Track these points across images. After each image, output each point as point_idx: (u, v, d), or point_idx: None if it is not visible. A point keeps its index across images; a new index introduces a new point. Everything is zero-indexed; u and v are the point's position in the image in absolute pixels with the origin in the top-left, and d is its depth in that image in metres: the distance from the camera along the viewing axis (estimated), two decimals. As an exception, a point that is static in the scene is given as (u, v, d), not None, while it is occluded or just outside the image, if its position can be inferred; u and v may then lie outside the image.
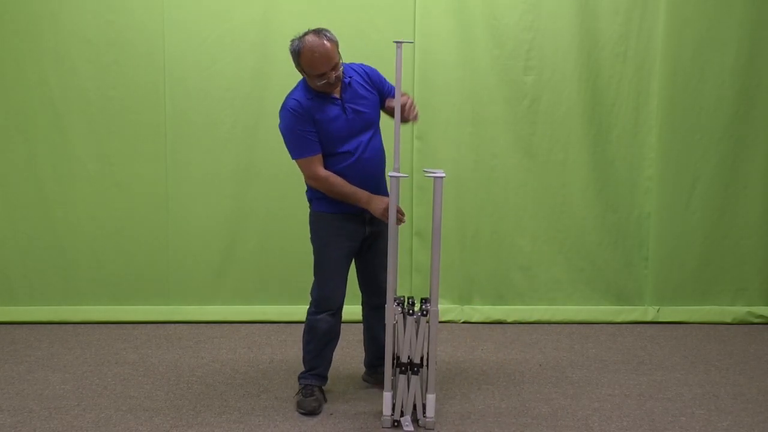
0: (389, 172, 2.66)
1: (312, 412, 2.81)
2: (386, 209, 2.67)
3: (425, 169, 2.83)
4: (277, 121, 4.05)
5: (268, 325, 3.96)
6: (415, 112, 2.73)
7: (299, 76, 2.73)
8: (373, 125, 2.81)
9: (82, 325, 3.91)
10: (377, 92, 2.81)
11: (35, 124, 3.88)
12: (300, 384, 2.93)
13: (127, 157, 3.92)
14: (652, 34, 3.90)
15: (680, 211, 4.04)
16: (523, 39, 3.89)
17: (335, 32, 3.75)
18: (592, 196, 4.03)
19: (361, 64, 2.83)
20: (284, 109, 2.72)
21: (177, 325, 3.95)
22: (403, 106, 2.65)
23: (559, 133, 3.97)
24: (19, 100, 3.86)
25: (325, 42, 2.59)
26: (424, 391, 2.70)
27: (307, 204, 2.81)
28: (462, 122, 3.94)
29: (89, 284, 4.00)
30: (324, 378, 2.95)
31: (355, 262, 2.93)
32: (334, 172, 2.74)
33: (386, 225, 2.67)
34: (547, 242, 4.06)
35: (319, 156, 2.73)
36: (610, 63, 3.92)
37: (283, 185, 3.94)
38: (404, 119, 2.69)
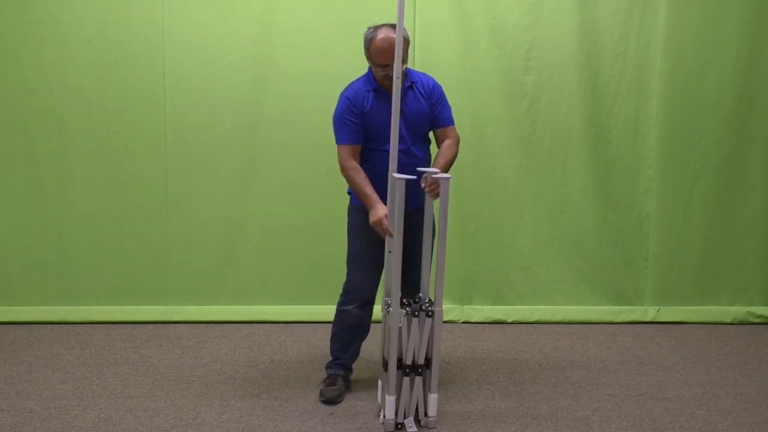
0: (392, 173, 2.63)
1: (331, 401, 2.89)
2: (378, 221, 2.68)
3: (420, 169, 2.78)
4: (278, 120, 4.07)
5: (268, 325, 3.96)
6: (435, 191, 2.66)
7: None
8: (420, 137, 2.83)
9: (82, 325, 3.91)
10: (431, 108, 2.81)
11: (35, 124, 3.88)
12: (326, 373, 3.04)
13: (127, 157, 3.92)
14: (652, 34, 3.90)
15: (680, 211, 4.05)
16: (523, 39, 3.89)
17: (334, 31, 3.81)
18: (592, 196, 4.03)
19: (429, 77, 2.85)
20: (341, 95, 2.78)
21: (177, 325, 3.95)
22: (433, 183, 2.63)
23: (559, 133, 3.97)
24: (19, 100, 3.86)
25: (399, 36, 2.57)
26: (426, 390, 2.70)
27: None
28: (462, 122, 3.92)
29: (89, 284, 4.00)
30: (349, 369, 3.04)
31: None
32: (373, 169, 2.76)
33: (422, 222, 2.70)
34: (547, 242, 4.06)
35: (355, 147, 2.76)
36: (610, 63, 3.92)
37: (282, 185, 3.95)
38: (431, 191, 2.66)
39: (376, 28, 2.68)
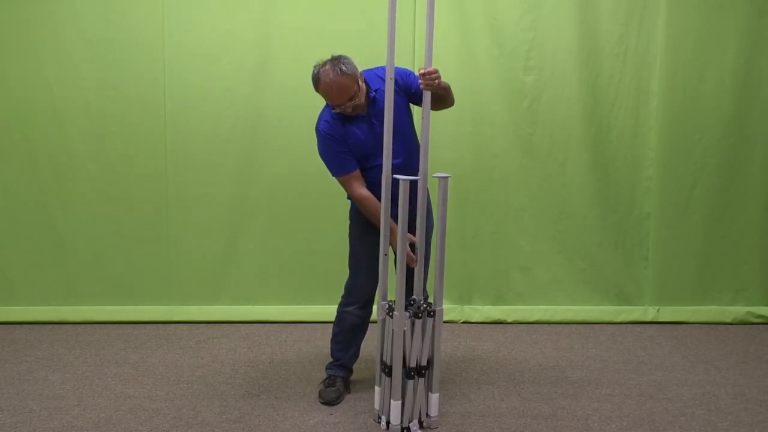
0: (386, 175, 2.60)
1: (330, 402, 2.90)
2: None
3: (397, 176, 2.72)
4: (278, 121, 4.07)
5: (268, 325, 3.96)
6: (436, 77, 2.58)
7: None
8: (405, 133, 2.80)
9: (82, 325, 3.91)
10: (405, 95, 2.79)
11: (35, 124, 3.88)
12: (326, 374, 3.06)
13: (127, 157, 3.92)
14: (652, 34, 3.90)
15: (680, 211, 4.05)
16: (523, 39, 3.89)
17: (334, 32, 3.81)
18: (592, 196, 4.03)
19: (383, 68, 2.76)
20: (317, 131, 2.77)
21: (177, 325, 3.95)
22: (431, 73, 2.56)
23: (559, 133, 3.97)
24: (19, 100, 3.86)
25: (341, 76, 2.60)
26: (428, 390, 2.69)
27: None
28: (462, 122, 3.94)
29: (89, 284, 4.00)
30: (348, 369, 3.06)
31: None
32: (373, 183, 2.76)
33: (422, 226, 2.67)
34: (547, 242, 4.06)
35: (356, 173, 2.78)
36: (610, 63, 3.92)
37: (283, 185, 3.95)
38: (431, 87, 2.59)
39: (318, 68, 2.66)
